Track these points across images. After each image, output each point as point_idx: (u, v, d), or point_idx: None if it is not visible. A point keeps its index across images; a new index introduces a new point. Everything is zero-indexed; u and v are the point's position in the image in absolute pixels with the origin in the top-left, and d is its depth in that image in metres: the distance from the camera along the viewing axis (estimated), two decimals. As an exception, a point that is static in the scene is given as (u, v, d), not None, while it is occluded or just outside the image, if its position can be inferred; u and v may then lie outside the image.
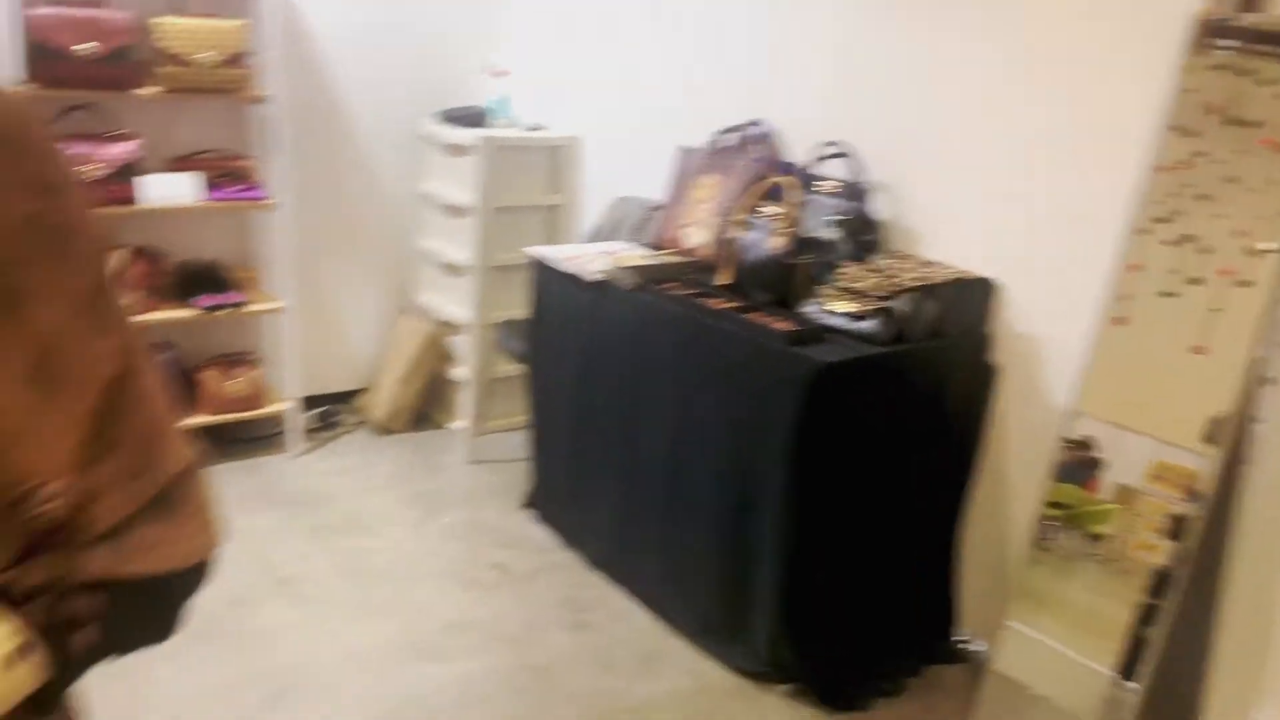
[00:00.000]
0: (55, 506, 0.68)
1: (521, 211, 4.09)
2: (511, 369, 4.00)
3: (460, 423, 4.25)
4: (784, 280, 2.93)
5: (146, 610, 0.76)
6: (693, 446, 2.91)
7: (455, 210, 4.06)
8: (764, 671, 2.81)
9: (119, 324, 0.74)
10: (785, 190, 3.01)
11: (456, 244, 4.09)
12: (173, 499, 0.77)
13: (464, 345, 4.17)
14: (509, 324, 3.86)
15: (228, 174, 3.70)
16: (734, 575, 2.84)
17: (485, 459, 4.08)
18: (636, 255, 3.25)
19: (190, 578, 0.79)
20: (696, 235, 3.23)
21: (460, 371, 4.22)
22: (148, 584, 0.75)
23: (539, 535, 3.53)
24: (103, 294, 0.73)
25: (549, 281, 3.37)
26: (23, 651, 0.69)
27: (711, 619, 2.93)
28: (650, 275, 3.10)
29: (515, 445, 4.02)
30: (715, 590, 2.90)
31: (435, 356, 4.31)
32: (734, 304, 2.88)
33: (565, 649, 2.93)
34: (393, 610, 3.05)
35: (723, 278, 3.04)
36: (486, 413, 4.16)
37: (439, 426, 4.38)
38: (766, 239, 2.98)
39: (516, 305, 3.84)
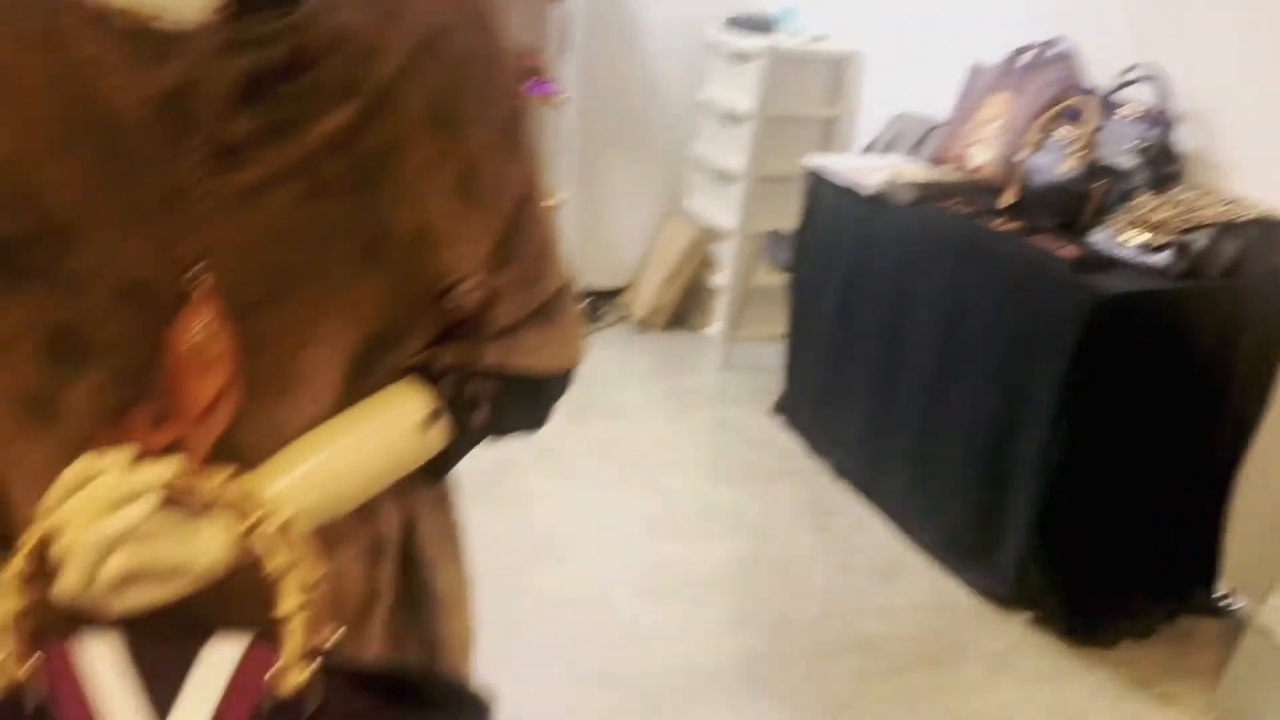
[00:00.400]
0: (471, 300, 0.80)
1: (797, 122, 4.10)
2: (771, 279, 4.06)
3: (715, 328, 4.36)
4: (1073, 206, 2.83)
5: (525, 402, 0.88)
6: (958, 366, 2.89)
7: (732, 118, 4.12)
8: (1007, 596, 2.80)
9: (527, 153, 0.84)
10: (1082, 113, 2.90)
11: (730, 151, 4.15)
12: (553, 311, 0.88)
13: (727, 252, 4.25)
14: (775, 234, 3.91)
15: (524, 70, 3.89)
16: (987, 497, 2.83)
17: (737, 365, 4.18)
18: (916, 171, 3.22)
19: (560, 381, 0.90)
20: (981, 154, 3.16)
21: (720, 278, 4.32)
22: (529, 380, 0.87)
23: (786, 441, 3.61)
24: (518, 124, 0.83)
25: (823, 192, 3.39)
26: (434, 419, 0.82)
27: (957, 538, 2.94)
28: (929, 192, 3.07)
29: (767, 354, 4.10)
30: (964, 510, 2.90)
31: (698, 261, 4.42)
32: (1017, 226, 2.82)
33: (807, 548, 3.01)
34: (644, 491, 3.22)
35: (1006, 199, 2.97)
36: (742, 320, 4.24)
37: (694, 330, 4.51)
38: (1058, 162, 2.88)
39: (783, 216, 3.88)
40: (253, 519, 0.70)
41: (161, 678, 0.71)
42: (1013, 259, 2.70)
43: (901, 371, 3.11)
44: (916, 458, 3.06)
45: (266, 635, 0.72)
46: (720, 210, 4.26)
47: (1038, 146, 2.95)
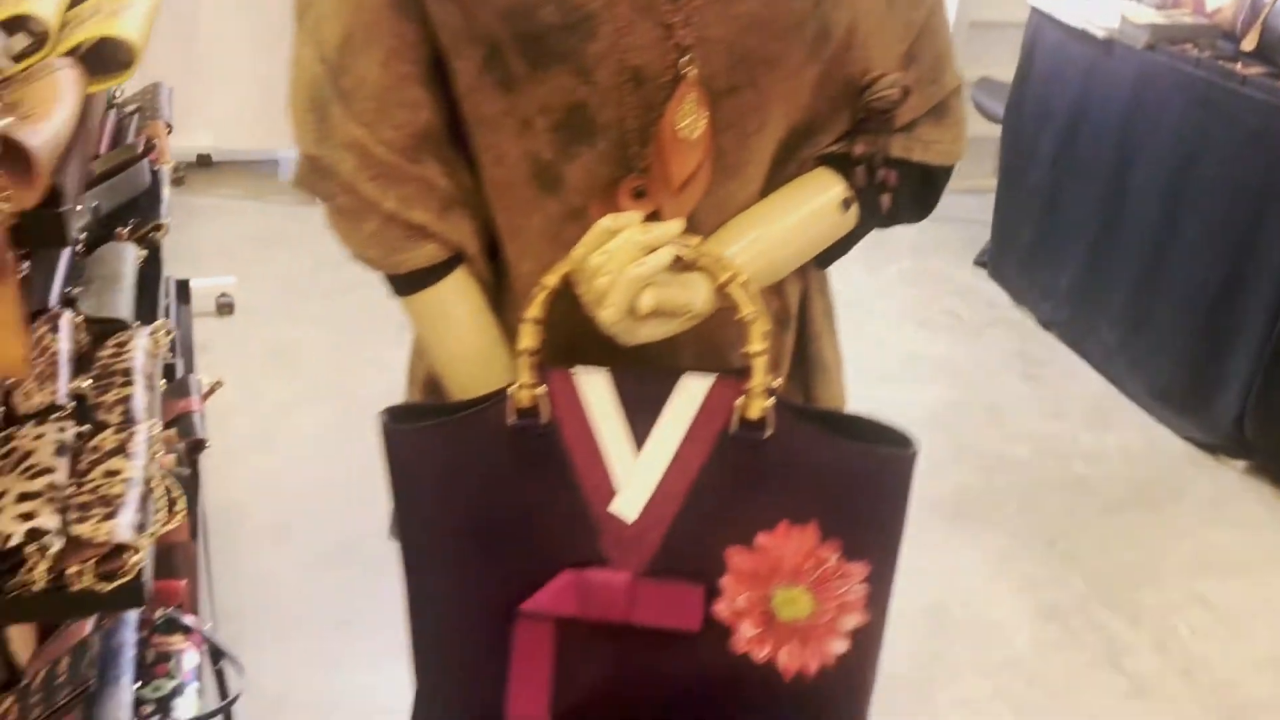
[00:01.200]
0: (890, 95, 0.90)
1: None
2: (978, 129, 4.01)
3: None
4: (1323, 48, 2.73)
5: (920, 192, 0.99)
6: (1184, 218, 2.87)
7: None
8: (1221, 444, 2.83)
9: None
10: (1341, -51, 2.76)
11: (937, -2, 4.07)
12: (945, 110, 0.98)
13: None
14: (985, 81, 3.86)
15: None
16: (1206, 350, 2.83)
17: (937, 216, 4.18)
18: (1150, 13, 3.13)
19: (948, 174, 1.01)
20: (1220, -3, 3.05)
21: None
22: (925, 171, 0.98)
23: (990, 291, 3.64)
24: None
25: (1044, 36, 3.33)
26: (848, 204, 0.94)
27: (1169, 389, 2.96)
28: (1163, 35, 2.98)
29: (969, 206, 4.08)
30: (1180, 361, 2.91)
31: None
32: (1259, 70, 2.74)
33: (1016, 394, 3.09)
34: (851, 337, 3.30)
35: (1248, 43, 2.87)
36: (942, 172, 4.22)
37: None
38: (1309, 2, 2.77)
39: (993, 64, 3.81)
40: (726, 276, 0.84)
41: (642, 406, 0.87)
42: (1256, 104, 2.64)
43: (1121, 224, 3.09)
44: (1132, 310, 3.06)
45: (725, 377, 0.86)
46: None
47: (1289, -14, 2.83)
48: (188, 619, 1.34)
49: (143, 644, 1.29)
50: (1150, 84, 2.95)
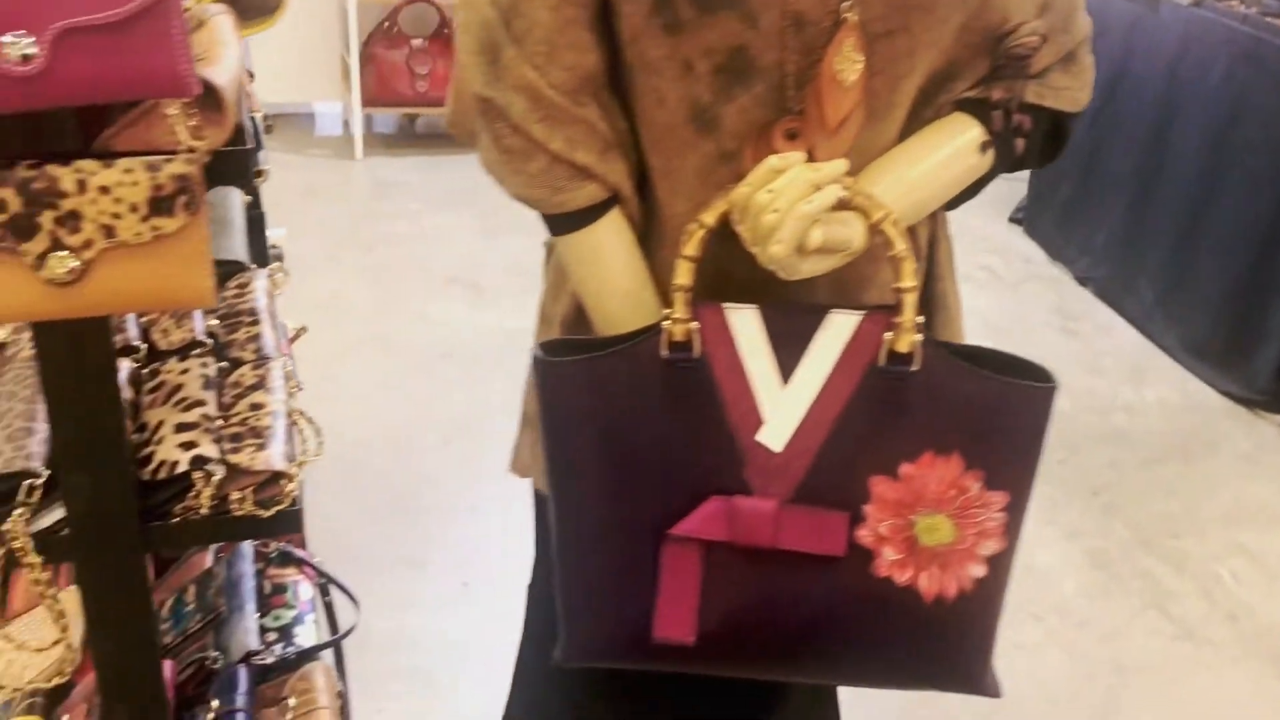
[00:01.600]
0: (1029, 41, 0.93)
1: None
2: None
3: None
4: (1372, 5, 2.75)
5: (1050, 138, 1.02)
6: (1226, 176, 2.89)
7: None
8: (1259, 400, 2.87)
9: None
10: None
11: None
12: (1074, 57, 1.01)
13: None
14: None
15: None
16: (1245, 306, 2.87)
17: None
18: (1193, -30, 3.14)
19: (1077, 121, 1.03)
20: (1266, -47, 3.05)
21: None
22: (1053, 117, 1.01)
23: (1026, 247, 3.68)
24: None
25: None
26: (985, 148, 0.97)
27: (1207, 345, 3.00)
28: (1209, -8, 3.00)
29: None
30: (1220, 317, 2.95)
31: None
32: (1307, 27, 2.76)
33: (1054, 349, 3.13)
34: (890, 291, 3.35)
35: (1295, -1, 2.89)
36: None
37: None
38: (1359, -41, 2.78)
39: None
40: (879, 215, 0.87)
41: (789, 340, 0.91)
42: (1305, 61, 2.66)
43: (1161, 180, 3.12)
44: (1171, 266, 3.10)
45: (872, 312, 0.90)
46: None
47: (1338, -58, 2.84)
48: (300, 553, 1.39)
49: (259, 575, 1.34)
50: (1195, 40, 2.96)
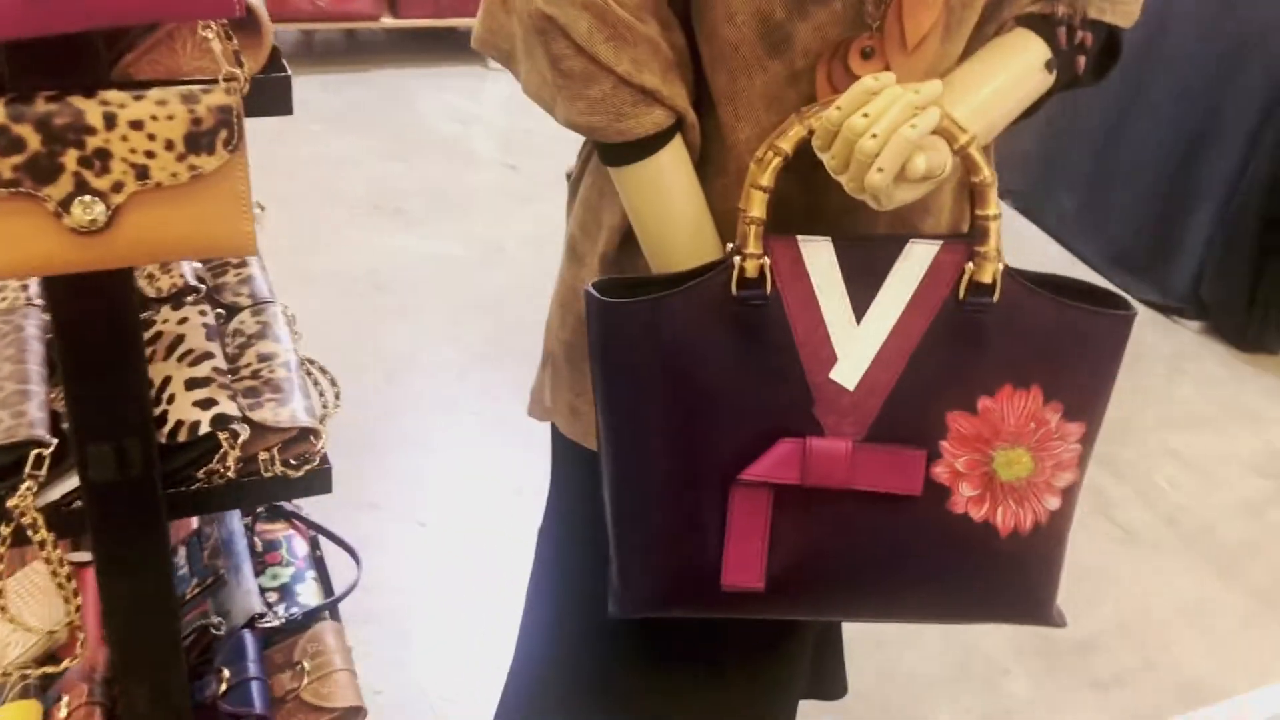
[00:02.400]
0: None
1: None
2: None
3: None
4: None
5: (1106, 54, 0.99)
6: (1150, 84, 2.93)
7: None
8: (1176, 306, 2.97)
9: None
10: None
11: None
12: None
13: None
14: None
15: None
16: (1166, 214, 2.94)
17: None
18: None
19: (1121, 39, 1.00)
20: None
21: None
22: (1109, 32, 0.97)
23: (945, 162, 3.69)
24: None
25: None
26: (1050, 63, 0.93)
27: (1127, 254, 3.08)
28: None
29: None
30: (1139, 226, 3.02)
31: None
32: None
33: (981, 262, 3.16)
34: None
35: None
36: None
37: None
38: None
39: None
40: (965, 139, 0.83)
41: (864, 273, 0.86)
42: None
43: (1083, 90, 3.14)
44: (1092, 177, 3.15)
45: (950, 242, 0.86)
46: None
47: None
48: (289, 506, 1.30)
49: (249, 532, 1.25)
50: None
